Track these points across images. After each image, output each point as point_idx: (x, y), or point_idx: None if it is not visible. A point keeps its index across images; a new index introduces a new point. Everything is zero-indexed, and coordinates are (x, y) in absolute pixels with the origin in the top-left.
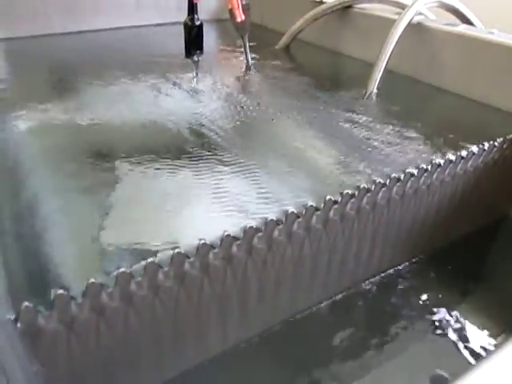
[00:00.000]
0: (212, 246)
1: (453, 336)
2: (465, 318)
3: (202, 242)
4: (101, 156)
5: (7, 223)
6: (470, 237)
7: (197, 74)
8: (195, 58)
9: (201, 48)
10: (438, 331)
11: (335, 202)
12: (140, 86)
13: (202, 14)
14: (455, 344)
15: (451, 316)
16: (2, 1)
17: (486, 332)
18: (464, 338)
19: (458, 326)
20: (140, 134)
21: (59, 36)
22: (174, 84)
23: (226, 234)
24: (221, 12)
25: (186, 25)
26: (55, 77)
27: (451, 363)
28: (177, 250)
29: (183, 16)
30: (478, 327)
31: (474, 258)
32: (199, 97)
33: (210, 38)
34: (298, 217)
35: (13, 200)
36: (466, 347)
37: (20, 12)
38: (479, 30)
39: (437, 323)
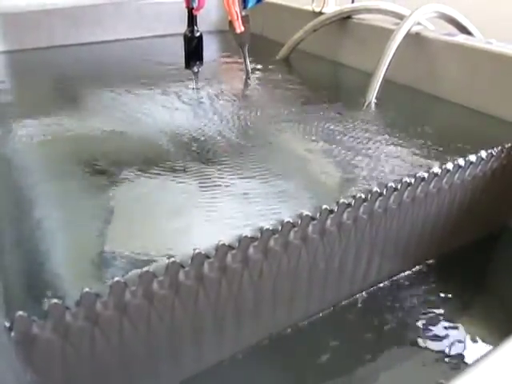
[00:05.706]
0: (207, 256)
1: (451, 346)
2: (464, 329)
3: (197, 251)
4: (97, 166)
5: (3, 233)
6: (470, 246)
7: (196, 85)
8: (195, 69)
9: (201, 59)
10: (437, 342)
11: (331, 212)
12: (140, 97)
13: (202, 26)
14: (452, 355)
15: (450, 327)
16: (6, 14)
17: (485, 343)
18: (462, 349)
19: (456, 336)
20: (139, 145)
21: (62, 48)
22: (174, 95)
23: (221, 243)
24: (221, 23)
25: (185, 36)
26: (57, 88)
27: (449, 375)
28: (171, 260)
29: (184, 27)
30: (478, 338)
31: (474, 268)
32: (198, 107)
33: (209, 49)
34: (294, 226)
35: (10, 210)
36: (463, 358)
37: (24, 24)
38: (478, 40)
39: (435, 334)
